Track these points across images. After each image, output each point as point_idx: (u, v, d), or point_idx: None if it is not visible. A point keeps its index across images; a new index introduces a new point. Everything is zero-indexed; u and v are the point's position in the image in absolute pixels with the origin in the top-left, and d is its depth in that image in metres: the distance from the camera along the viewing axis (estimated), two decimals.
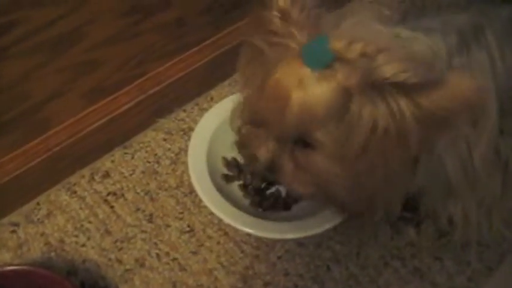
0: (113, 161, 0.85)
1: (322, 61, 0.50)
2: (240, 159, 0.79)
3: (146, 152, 0.86)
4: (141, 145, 0.87)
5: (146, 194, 0.82)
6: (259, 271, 0.74)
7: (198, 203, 0.80)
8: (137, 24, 0.78)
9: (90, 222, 0.79)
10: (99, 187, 0.82)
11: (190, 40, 0.88)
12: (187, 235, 0.78)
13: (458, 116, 0.49)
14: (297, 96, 0.50)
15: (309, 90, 0.50)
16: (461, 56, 0.59)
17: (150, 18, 0.79)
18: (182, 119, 0.90)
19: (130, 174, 0.84)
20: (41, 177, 0.79)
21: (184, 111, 0.91)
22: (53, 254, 0.75)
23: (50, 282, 0.66)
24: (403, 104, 0.48)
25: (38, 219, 0.79)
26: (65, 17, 0.69)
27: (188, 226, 0.78)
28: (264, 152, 0.60)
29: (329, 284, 0.73)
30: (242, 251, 0.76)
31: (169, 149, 0.87)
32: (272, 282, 0.73)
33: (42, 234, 0.77)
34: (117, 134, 0.85)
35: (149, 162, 0.85)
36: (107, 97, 0.83)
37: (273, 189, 0.79)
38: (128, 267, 0.75)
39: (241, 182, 0.79)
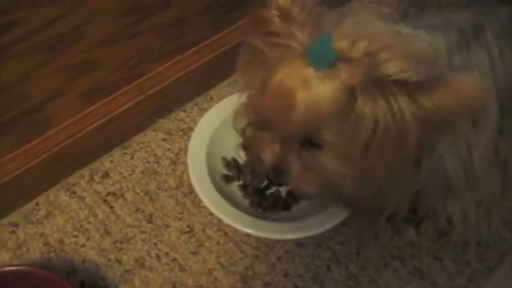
0: (112, 161, 0.85)
1: (326, 61, 0.50)
2: (240, 159, 0.79)
3: (146, 152, 0.86)
4: (140, 145, 0.87)
5: (146, 194, 0.82)
6: (259, 271, 0.74)
7: (198, 203, 0.80)
8: (136, 24, 0.78)
9: (89, 222, 0.79)
10: (98, 187, 0.82)
11: (190, 40, 0.88)
12: (187, 235, 0.77)
13: (459, 117, 0.49)
14: (302, 97, 0.50)
15: (314, 90, 0.50)
16: (461, 54, 0.59)
17: (149, 18, 0.79)
18: (182, 119, 0.90)
19: (130, 175, 0.84)
20: (41, 178, 0.79)
21: (184, 111, 0.91)
22: (52, 254, 0.75)
23: (49, 283, 0.66)
24: (404, 103, 0.48)
25: (38, 219, 0.79)
26: (63, 17, 0.69)
27: (188, 226, 0.78)
28: (269, 154, 0.60)
29: (329, 285, 0.73)
30: (242, 252, 0.76)
31: (168, 149, 0.87)
32: (272, 283, 0.73)
33: (42, 235, 0.77)
34: (117, 134, 0.85)
35: (149, 162, 0.85)
36: (106, 97, 0.83)
37: (272, 190, 0.79)
38: (127, 267, 0.74)
39: (241, 182, 0.79)
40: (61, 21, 0.69)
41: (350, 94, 0.50)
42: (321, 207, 0.72)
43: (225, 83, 0.94)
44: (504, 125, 0.63)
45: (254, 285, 0.73)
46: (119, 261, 0.75)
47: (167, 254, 0.76)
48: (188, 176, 0.77)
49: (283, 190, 0.78)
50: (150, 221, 0.79)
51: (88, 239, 0.77)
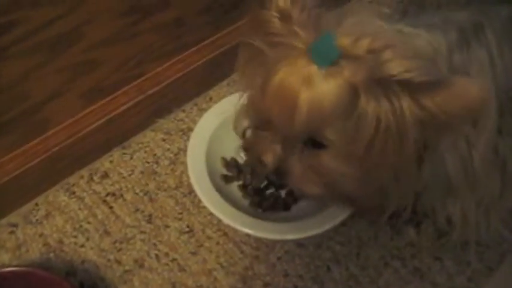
0: (111, 162, 0.85)
1: (329, 58, 0.49)
2: (240, 159, 0.79)
3: (145, 152, 0.86)
4: (140, 145, 0.87)
5: (145, 194, 0.82)
6: (259, 272, 0.74)
7: (198, 204, 0.80)
8: (136, 24, 0.78)
9: (89, 222, 0.78)
10: (98, 187, 0.82)
11: (189, 40, 0.88)
12: (186, 235, 0.77)
13: (460, 119, 0.49)
14: (304, 95, 0.50)
15: (317, 88, 0.50)
16: (461, 53, 0.59)
17: (148, 18, 0.79)
18: (181, 119, 0.90)
19: (129, 175, 0.84)
20: (40, 178, 0.79)
21: (183, 111, 0.91)
22: (51, 254, 0.75)
23: (48, 283, 0.66)
24: (406, 103, 0.48)
25: (37, 220, 0.78)
26: (63, 17, 0.69)
27: (187, 226, 0.78)
28: (270, 156, 0.60)
29: (329, 285, 0.73)
30: (242, 252, 0.76)
31: (168, 149, 0.87)
32: (272, 283, 0.73)
33: (41, 235, 0.77)
34: (116, 135, 0.85)
35: (148, 162, 0.85)
36: (105, 97, 0.83)
37: (272, 190, 0.79)
38: (127, 268, 0.74)
39: (240, 183, 0.79)
40: (61, 21, 0.69)
41: (353, 92, 0.50)
42: (321, 208, 0.72)
43: (224, 83, 0.94)
44: (503, 124, 0.63)
45: (254, 286, 0.73)
46: (119, 262, 0.75)
47: (167, 254, 0.76)
48: (188, 176, 0.77)
49: (282, 190, 0.78)
50: (149, 221, 0.79)
51: (87, 239, 0.77)
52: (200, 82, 0.91)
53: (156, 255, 0.75)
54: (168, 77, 0.87)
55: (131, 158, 0.85)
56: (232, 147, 0.73)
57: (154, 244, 0.76)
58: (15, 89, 0.70)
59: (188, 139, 0.80)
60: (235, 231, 0.76)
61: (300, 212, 0.76)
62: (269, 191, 0.78)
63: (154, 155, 0.86)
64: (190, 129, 0.85)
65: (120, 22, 0.76)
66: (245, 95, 0.63)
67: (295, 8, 0.53)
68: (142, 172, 0.84)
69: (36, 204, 0.80)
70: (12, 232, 0.77)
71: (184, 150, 0.82)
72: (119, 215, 0.79)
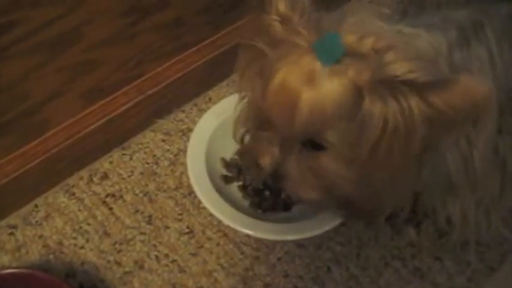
0: (111, 162, 0.85)
1: (334, 55, 0.49)
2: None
3: (145, 153, 0.86)
4: (139, 146, 0.87)
5: (145, 195, 0.81)
6: (259, 272, 0.74)
7: (198, 204, 0.80)
8: (135, 24, 0.78)
9: (88, 224, 0.78)
10: (97, 189, 0.82)
11: (189, 40, 0.88)
12: (186, 236, 0.77)
13: (467, 116, 0.48)
14: (307, 94, 0.49)
15: (320, 87, 0.49)
16: (461, 51, 0.59)
17: (148, 18, 0.79)
18: (181, 120, 0.90)
19: (129, 176, 0.83)
20: (39, 179, 0.79)
21: (183, 111, 0.91)
22: (51, 256, 0.75)
23: (48, 285, 0.66)
24: (414, 102, 0.48)
25: (36, 221, 0.78)
26: (63, 17, 0.69)
27: (187, 227, 0.78)
28: (268, 159, 0.59)
29: (329, 285, 0.73)
30: (242, 253, 0.76)
31: (168, 150, 0.86)
32: (272, 284, 0.73)
33: (41, 237, 0.77)
34: (116, 135, 0.85)
35: (148, 163, 0.85)
36: (105, 98, 0.82)
37: (268, 193, 0.78)
38: (127, 269, 0.74)
39: (240, 183, 0.79)
40: (61, 22, 0.69)
41: (357, 93, 0.49)
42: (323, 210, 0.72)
43: (224, 83, 0.94)
44: (503, 123, 0.63)
45: (254, 286, 0.73)
46: (118, 263, 0.75)
47: (167, 255, 0.75)
48: (187, 176, 0.77)
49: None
50: (149, 222, 0.78)
51: (87, 240, 0.77)
52: (200, 82, 0.91)
53: (156, 257, 0.75)
54: (168, 77, 0.87)
55: (131, 159, 0.85)
56: (232, 148, 0.73)
57: (154, 245, 0.76)
58: (15, 89, 0.70)
59: (188, 140, 0.80)
60: (236, 232, 0.76)
61: (300, 212, 0.76)
62: (268, 192, 0.78)
63: (154, 155, 0.86)
64: (190, 130, 0.85)
65: (119, 22, 0.76)
66: (243, 100, 0.63)
67: (295, 13, 0.53)
68: (142, 173, 0.84)
69: (36, 206, 0.80)
70: (11, 234, 0.77)
71: (184, 151, 0.82)
72: (119, 216, 0.79)
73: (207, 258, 0.75)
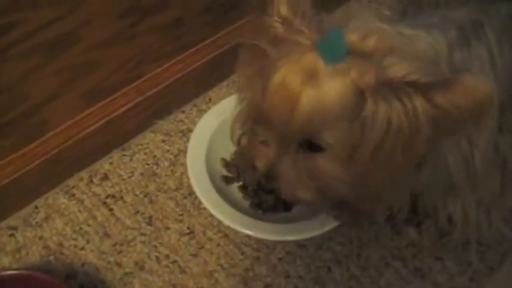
0: (111, 163, 0.85)
1: (337, 54, 0.49)
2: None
3: (145, 153, 0.86)
4: (139, 147, 0.87)
5: (145, 196, 0.81)
6: (260, 273, 0.74)
7: (198, 205, 0.80)
8: (135, 25, 0.78)
9: (89, 225, 0.78)
10: (97, 190, 0.82)
11: (188, 41, 0.88)
12: (187, 237, 0.77)
13: (471, 115, 0.48)
14: (308, 92, 0.49)
15: (322, 85, 0.49)
16: (462, 51, 0.59)
17: (147, 19, 0.79)
18: (181, 120, 0.90)
19: (129, 177, 0.83)
20: (39, 180, 0.79)
21: (183, 112, 0.91)
22: (51, 257, 0.75)
23: (49, 286, 0.66)
24: (418, 102, 0.47)
25: (37, 222, 0.78)
26: (62, 18, 0.69)
27: (188, 228, 0.78)
28: (263, 159, 0.58)
29: (330, 286, 0.73)
30: (242, 253, 0.76)
31: (168, 151, 0.86)
32: (273, 284, 0.73)
33: (41, 238, 0.77)
34: (115, 136, 0.85)
35: (148, 164, 0.85)
36: (104, 99, 0.82)
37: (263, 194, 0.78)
38: (127, 270, 0.74)
39: (240, 183, 0.79)
40: (60, 23, 0.69)
41: (359, 95, 0.49)
42: (320, 212, 0.72)
43: (224, 83, 0.94)
44: (504, 122, 0.63)
45: (255, 287, 0.73)
46: (119, 264, 0.75)
47: (167, 256, 0.75)
48: (188, 177, 0.77)
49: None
50: (149, 223, 0.78)
51: (87, 241, 0.77)
52: (200, 83, 0.91)
53: (157, 257, 0.75)
54: (168, 78, 0.87)
55: (131, 160, 0.85)
56: (232, 148, 0.73)
57: (155, 246, 0.76)
58: (14, 90, 0.70)
59: (188, 140, 0.80)
60: (236, 232, 0.76)
61: (301, 213, 0.75)
62: (263, 193, 0.78)
63: (154, 156, 0.86)
64: (190, 130, 0.85)
65: (118, 23, 0.76)
66: (242, 100, 0.62)
67: (297, 17, 0.53)
68: (142, 174, 0.84)
69: (36, 207, 0.80)
70: (12, 235, 0.77)
71: (184, 152, 0.82)
72: (119, 217, 0.79)
73: (208, 258, 0.75)
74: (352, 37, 0.49)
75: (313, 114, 0.50)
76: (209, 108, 0.86)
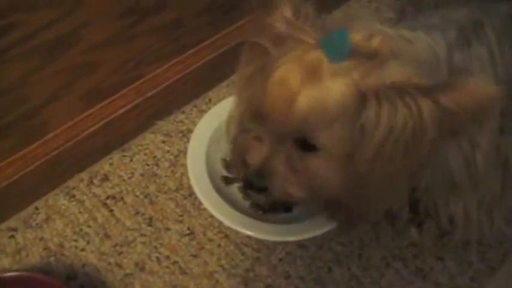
0: (111, 164, 0.85)
1: (341, 52, 0.48)
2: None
3: (145, 154, 0.86)
4: (139, 148, 0.87)
5: (145, 197, 0.81)
6: (260, 273, 0.74)
7: (198, 206, 0.80)
8: (134, 26, 0.78)
9: (89, 226, 0.78)
10: (98, 191, 0.82)
11: (188, 42, 0.88)
12: (187, 238, 0.77)
13: (475, 116, 0.48)
14: (308, 90, 0.49)
15: (323, 84, 0.49)
16: (462, 51, 0.59)
17: (146, 20, 0.79)
18: (181, 121, 0.90)
19: (129, 178, 0.83)
20: (40, 182, 0.79)
21: (183, 113, 0.91)
22: (52, 258, 0.75)
23: None
24: (424, 104, 0.47)
25: (37, 223, 0.78)
26: (61, 19, 0.68)
27: (188, 229, 0.78)
28: (256, 156, 0.58)
29: (331, 286, 0.73)
30: (243, 254, 0.76)
31: (168, 151, 0.86)
32: (273, 285, 0.73)
33: (41, 239, 0.77)
34: (115, 137, 0.85)
35: (148, 164, 0.85)
36: (104, 100, 0.82)
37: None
38: (127, 271, 0.74)
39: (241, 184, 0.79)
40: (59, 24, 0.68)
41: (360, 98, 0.49)
42: (313, 212, 0.71)
43: (224, 84, 0.94)
44: (505, 123, 0.63)
45: None
46: (119, 265, 0.74)
47: (168, 257, 0.75)
48: (188, 178, 0.77)
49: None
50: (150, 224, 0.78)
51: (88, 242, 0.77)
52: (199, 83, 0.91)
53: (157, 258, 0.75)
54: (167, 78, 0.87)
55: (131, 161, 0.85)
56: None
57: (155, 247, 0.76)
58: (14, 92, 0.70)
59: (188, 141, 0.80)
60: (236, 233, 0.76)
61: (301, 213, 0.75)
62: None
63: (154, 157, 0.86)
64: (190, 131, 0.85)
65: (118, 24, 0.76)
66: (239, 101, 0.62)
67: (299, 20, 0.53)
68: (142, 174, 0.84)
69: (36, 208, 0.80)
70: (12, 236, 0.77)
71: (184, 152, 0.82)
72: (119, 218, 0.79)
73: (208, 259, 0.75)
74: (356, 37, 0.49)
75: (310, 113, 0.50)
76: (209, 108, 0.86)
